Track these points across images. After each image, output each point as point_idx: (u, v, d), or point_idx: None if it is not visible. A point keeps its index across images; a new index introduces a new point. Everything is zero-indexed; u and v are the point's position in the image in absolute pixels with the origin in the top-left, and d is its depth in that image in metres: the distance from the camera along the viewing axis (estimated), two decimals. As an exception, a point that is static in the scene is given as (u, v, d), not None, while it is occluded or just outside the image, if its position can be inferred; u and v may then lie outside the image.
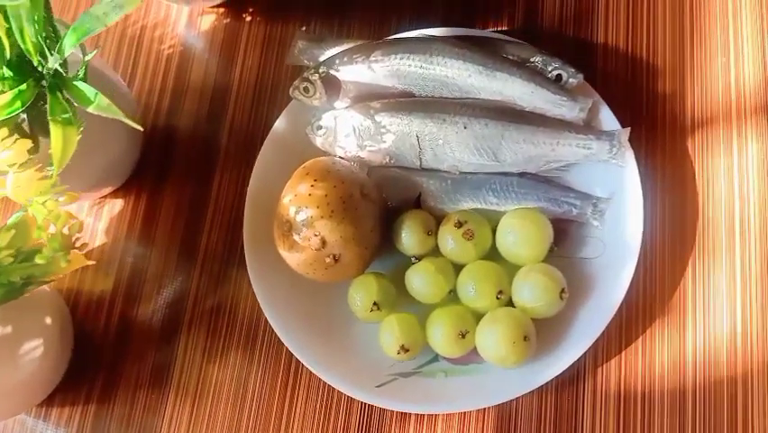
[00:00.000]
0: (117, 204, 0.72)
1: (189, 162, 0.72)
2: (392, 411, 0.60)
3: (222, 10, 0.76)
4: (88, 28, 0.49)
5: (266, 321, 0.63)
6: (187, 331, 0.66)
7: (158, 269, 0.69)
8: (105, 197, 0.72)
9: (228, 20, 0.75)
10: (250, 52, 0.74)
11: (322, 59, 0.66)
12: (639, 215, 0.59)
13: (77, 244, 0.49)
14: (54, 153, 0.47)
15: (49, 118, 0.50)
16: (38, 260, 0.47)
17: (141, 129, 0.48)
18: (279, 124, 0.66)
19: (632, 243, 0.58)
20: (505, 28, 0.69)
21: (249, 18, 0.75)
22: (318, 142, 0.64)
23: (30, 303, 0.58)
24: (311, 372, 0.60)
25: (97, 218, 0.71)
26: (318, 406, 0.61)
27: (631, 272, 0.57)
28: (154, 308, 0.68)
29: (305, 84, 0.65)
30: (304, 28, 0.73)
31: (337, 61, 0.64)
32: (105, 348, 0.67)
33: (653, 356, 0.59)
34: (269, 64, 0.74)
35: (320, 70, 0.64)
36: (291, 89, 0.65)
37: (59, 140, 0.47)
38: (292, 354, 0.61)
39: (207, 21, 0.76)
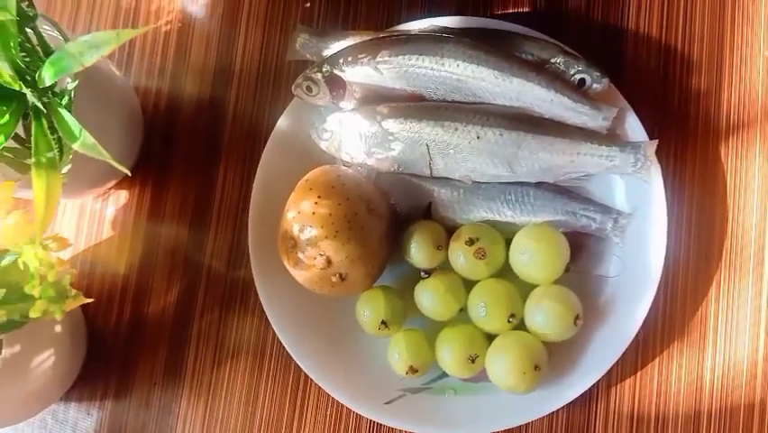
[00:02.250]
0: (122, 196, 0.70)
1: (193, 152, 0.69)
2: (402, 427, 0.60)
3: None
4: (66, 65, 0.46)
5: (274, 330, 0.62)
6: (197, 333, 0.66)
7: (166, 266, 0.67)
8: (110, 188, 0.70)
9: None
10: (252, 29, 0.69)
11: (325, 53, 0.61)
12: (663, 235, 0.55)
13: (71, 294, 0.47)
14: (37, 209, 0.45)
15: (32, 160, 0.47)
16: (32, 314, 0.46)
17: (129, 173, 0.45)
18: (282, 122, 0.63)
19: (653, 265, 0.55)
20: (527, 10, 0.63)
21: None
22: (323, 146, 0.61)
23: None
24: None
25: (103, 211, 0.70)
26: (328, 419, 0.62)
27: (650, 299, 0.55)
28: (164, 307, 0.67)
29: (308, 83, 0.60)
30: (308, 4, 0.68)
31: (341, 60, 0.59)
32: (117, 345, 0.67)
33: (669, 378, 0.57)
34: (272, 43, 0.69)
35: (323, 69, 0.60)
36: (294, 87, 0.61)
37: (42, 192, 0.45)
38: (301, 367, 0.60)
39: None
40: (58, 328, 0.62)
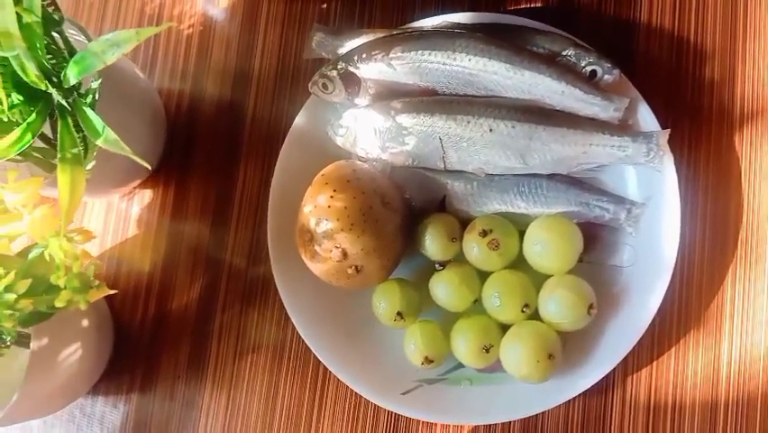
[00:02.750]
0: (146, 195, 0.72)
1: (214, 152, 0.70)
2: (419, 417, 0.61)
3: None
4: (89, 64, 0.47)
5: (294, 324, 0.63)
6: (219, 327, 0.67)
7: (188, 263, 0.69)
8: (134, 187, 0.72)
9: (246, -4, 0.72)
10: (270, 31, 0.71)
11: (340, 51, 0.63)
12: (676, 225, 0.55)
13: (95, 284, 0.49)
14: (61, 202, 0.47)
15: (57, 157, 0.49)
16: (57, 303, 0.48)
17: (150, 167, 0.47)
18: (300, 120, 0.64)
19: (667, 255, 0.55)
20: (539, 5, 0.64)
21: (267, -6, 0.71)
22: (339, 141, 0.62)
23: (64, 311, 0.59)
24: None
25: (128, 210, 0.72)
26: (346, 410, 0.63)
27: (664, 288, 0.55)
28: (187, 303, 0.69)
29: (323, 80, 0.62)
30: (324, 4, 0.69)
31: (356, 57, 0.60)
32: (142, 340, 0.69)
33: (685, 367, 0.57)
34: (289, 43, 0.70)
35: (338, 66, 0.61)
36: (310, 85, 0.63)
37: (67, 186, 0.47)
38: (320, 360, 0.61)
39: (225, -1, 0.72)
40: (85, 323, 0.64)
